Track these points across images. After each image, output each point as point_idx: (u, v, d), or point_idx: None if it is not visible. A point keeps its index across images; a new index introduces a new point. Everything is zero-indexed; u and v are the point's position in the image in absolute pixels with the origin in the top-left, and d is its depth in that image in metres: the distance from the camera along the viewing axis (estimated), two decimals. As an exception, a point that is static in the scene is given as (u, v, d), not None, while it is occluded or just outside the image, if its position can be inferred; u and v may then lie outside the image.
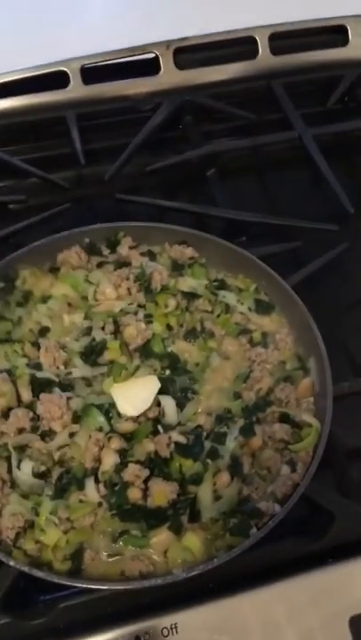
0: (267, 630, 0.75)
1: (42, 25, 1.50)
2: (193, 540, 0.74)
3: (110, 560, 0.75)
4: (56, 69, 1.36)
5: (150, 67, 1.39)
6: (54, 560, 0.73)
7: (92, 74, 1.36)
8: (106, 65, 1.38)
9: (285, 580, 0.77)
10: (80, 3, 1.60)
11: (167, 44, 1.38)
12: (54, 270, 1.01)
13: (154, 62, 1.39)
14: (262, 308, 0.96)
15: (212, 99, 1.38)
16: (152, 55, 1.39)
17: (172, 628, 0.74)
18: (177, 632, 0.74)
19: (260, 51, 1.42)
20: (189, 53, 1.41)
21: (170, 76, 1.39)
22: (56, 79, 1.35)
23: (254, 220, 1.17)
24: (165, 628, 0.74)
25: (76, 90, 1.36)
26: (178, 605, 0.75)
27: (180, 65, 1.39)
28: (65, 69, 1.35)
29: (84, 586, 0.70)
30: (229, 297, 0.96)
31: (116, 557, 0.75)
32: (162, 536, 0.75)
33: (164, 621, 0.74)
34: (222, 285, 0.98)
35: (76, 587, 0.72)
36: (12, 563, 0.70)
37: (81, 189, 1.27)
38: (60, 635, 0.74)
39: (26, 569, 0.70)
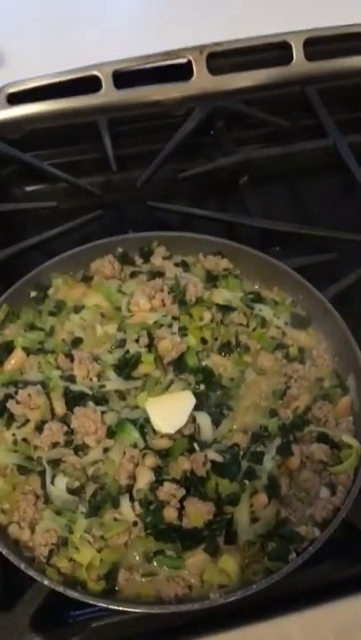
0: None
1: (74, 29, 1.50)
2: (229, 563, 0.72)
3: (145, 580, 0.73)
4: (88, 74, 1.35)
5: (183, 72, 1.37)
6: (88, 580, 0.72)
7: (125, 78, 1.35)
8: (138, 70, 1.37)
9: (324, 605, 0.75)
10: (113, 7, 1.59)
11: (200, 48, 1.36)
12: (87, 279, 1.00)
13: (187, 67, 1.37)
14: (299, 322, 0.94)
15: (244, 104, 1.36)
16: (185, 60, 1.38)
17: (206, 652, 0.72)
18: (211, 656, 0.72)
19: (294, 56, 1.40)
20: (223, 58, 1.39)
21: (203, 82, 1.38)
22: (88, 84, 1.34)
23: (288, 231, 1.15)
24: (200, 651, 0.72)
25: (107, 94, 1.35)
26: (213, 628, 0.73)
27: (213, 70, 1.38)
28: (97, 74, 1.34)
29: (120, 608, 0.69)
30: (265, 310, 0.94)
31: (151, 577, 0.73)
32: (197, 557, 0.73)
33: (197, 645, 0.72)
34: (258, 298, 0.96)
35: (109, 609, 0.71)
36: (46, 582, 0.69)
37: (112, 196, 1.26)
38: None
39: (61, 589, 0.69)
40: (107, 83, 1.35)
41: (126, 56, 1.36)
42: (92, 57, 1.35)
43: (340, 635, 0.75)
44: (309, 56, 1.39)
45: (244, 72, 1.39)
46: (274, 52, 1.40)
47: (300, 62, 1.40)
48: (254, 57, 1.41)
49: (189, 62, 1.37)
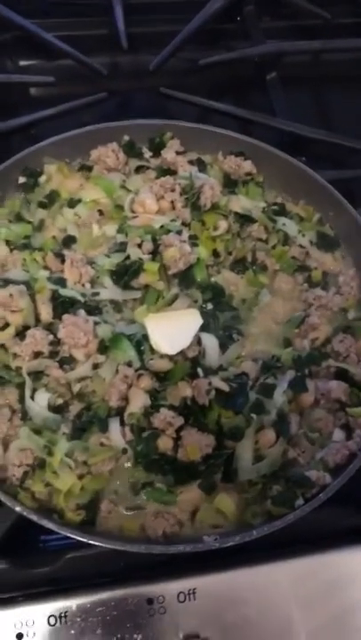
0: (297, 605, 0.67)
1: None
2: (226, 502, 0.65)
3: (130, 514, 0.66)
4: None
5: None
6: (66, 509, 0.64)
7: None
8: None
9: (325, 554, 0.68)
10: None
11: None
12: (86, 169, 0.86)
13: None
14: (326, 242, 0.83)
15: (282, -13, 1.17)
16: None
17: (189, 594, 0.66)
18: (195, 598, 0.66)
19: None
20: None
21: None
22: None
23: (319, 138, 1.00)
24: (182, 592, 0.66)
25: None
26: (199, 569, 0.67)
27: None
28: None
29: (100, 544, 0.61)
30: (289, 225, 0.82)
31: (137, 511, 0.65)
32: (191, 493, 0.65)
33: (182, 585, 0.66)
34: (281, 211, 0.85)
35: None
36: (17, 508, 0.61)
37: (120, 78, 1.10)
38: (62, 587, 0.66)
39: (34, 517, 0.60)
40: None
41: None
42: None
43: (333, 586, 0.69)
44: None
45: None
46: None
47: None
48: None
49: None
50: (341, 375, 0.73)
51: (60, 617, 0.64)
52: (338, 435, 0.69)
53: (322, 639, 0.66)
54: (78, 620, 0.64)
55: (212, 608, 0.66)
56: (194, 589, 0.66)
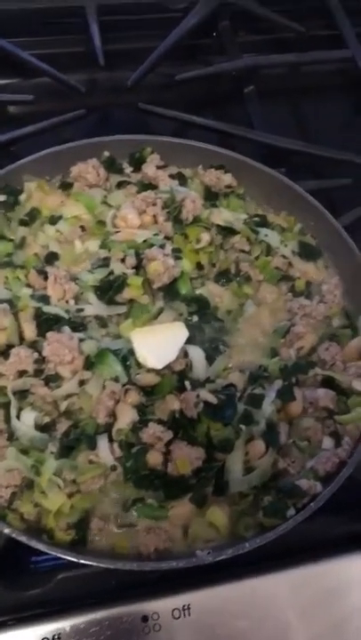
0: (293, 615, 0.66)
1: None
2: (218, 516, 0.64)
3: (121, 531, 0.65)
4: None
5: None
6: (56, 528, 0.63)
7: None
8: None
9: (320, 563, 0.68)
10: None
11: None
12: (66, 186, 0.86)
13: None
14: (308, 252, 0.84)
15: (255, 2, 1.19)
16: None
17: (184, 610, 0.65)
18: (189, 614, 0.65)
19: None
20: None
21: (210, -29, 1.19)
22: None
23: (297, 149, 1.01)
24: (177, 609, 0.65)
25: (99, -25, 1.15)
26: (193, 585, 0.66)
27: None
28: None
29: (92, 563, 0.60)
30: (271, 236, 0.83)
31: (128, 528, 0.65)
32: (182, 508, 0.65)
33: (176, 601, 0.66)
34: (263, 222, 0.85)
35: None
36: (6, 530, 0.60)
37: (98, 95, 1.11)
38: (55, 608, 0.65)
39: (23, 538, 0.59)
40: None
41: None
42: None
43: (330, 594, 0.69)
44: None
45: (259, -35, 1.21)
46: None
47: None
48: None
49: None
50: (328, 383, 0.73)
51: (54, 639, 0.63)
52: (327, 443, 0.69)
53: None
54: (72, 641, 0.63)
55: (207, 623, 0.65)
56: (188, 605, 0.66)
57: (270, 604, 0.67)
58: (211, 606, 0.66)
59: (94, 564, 0.60)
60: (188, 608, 0.66)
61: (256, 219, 0.85)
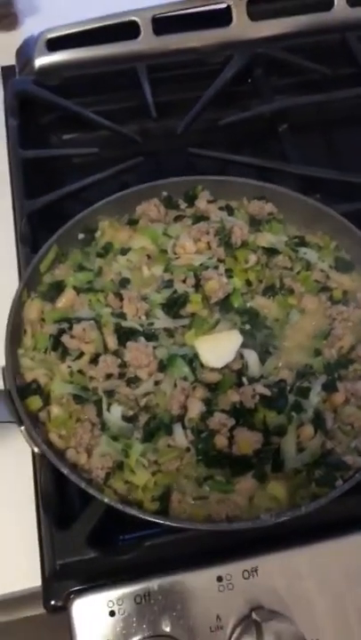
0: (346, 577, 0.77)
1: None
2: (278, 488, 0.76)
3: (196, 502, 0.77)
4: (127, 19, 1.34)
5: (222, 17, 1.36)
6: (144, 500, 0.76)
7: (164, 24, 1.34)
8: (177, 15, 1.36)
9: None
10: None
11: (240, -7, 1.35)
12: (133, 223, 1.01)
13: (226, 12, 1.36)
14: (343, 265, 0.96)
15: (284, 51, 1.34)
16: (224, 5, 1.36)
17: (252, 571, 0.76)
18: (257, 575, 0.76)
19: (335, 1, 1.37)
20: (263, 3, 1.37)
21: (242, 28, 1.36)
22: (127, 30, 1.33)
23: (328, 178, 1.15)
24: (246, 570, 0.76)
25: (146, 41, 1.34)
26: (259, 550, 0.77)
27: (252, 16, 1.36)
28: (136, 19, 1.34)
29: (174, 524, 0.73)
30: (310, 254, 0.96)
31: (202, 500, 0.77)
32: (246, 483, 0.77)
33: (246, 564, 0.77)
34: (302, 242, 0.98)
35: (162, 526, 0.75)
36: (105, 499, 0.73)
37: (152, 143, 1.26)
38: (144, 571, 0.77)
39: (119, 506, 0.73)
40: (145, 29, 1.34)
41: (165, 1, 1.35)
42: (132, 2, 1.34)
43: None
44: (351, 1, 1.37)
45: (284, 18, 1.38)
46: (315, -4, 1.38)
47: (341, 7, 1.38)
48: (294, 2, 1.39)
49: (229, 7, 1.36)
50: (367, 376, 0.85)
51: (145, 596, 0.76)
52: (368, 426, 0.81)
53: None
54: (160, 597, 0.75)
55: (272, 583, 0.76)
56: (256, 567, 0.77)
57: (328, 569, 0.77)
58: (275, 568, 0.77)
59: (176, 524, 0.72)
60: (256, 570, 0.77)
61: (295, 239, 0.98)
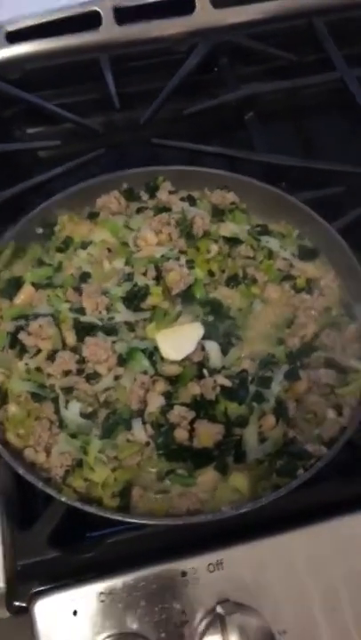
0: (310, 567, 0.76)
1: None
2: (240, 480, 0.75)
3: (158, 497, 0.76)
4: (88, 9, 1.31)
5: (186, 5, 1.33)
6: (104, 496, 0.75)
7: (126, 13, 1.32)
8: (140, 4, 1.33)
9: (330, 521, 0.78)
10: None
11: (203, -20, 1.32)
12: (93, 216, 1.00)
13: (189, 0, 1.33)
14: (306, 253, 0.95)
15: (249, 39, 1.33)
16: (187, -7, 1.34)
17: (217, 564, 0.76)
18: (222, 568, 0.76)
19: (301, -14, 1.35)
20: (226, -10, 1.35)
21: (206, 15, 1.34)
22: (88, 20, 1.31)
23: (294, 165, 1.14)
24: (211, 564, 0.76)
25: (108, 31, 1.32)
26: (223, 543, 0.77)
27: (216, 3, 1.34)
28: (97, 9, 1.31)
29: (135, 521, 0.72)
30: (272, 242, 0.94)
31: (164, 494, 0.76)
32: (208, 475, 0.76)
33: (210, 558, 0.76)
34: (264, 231, 0.97)
35: (123, 523, 0.74)
36: (63, 498, 0.72)
37: (115, 134, 1.25)
38: (107, 569, 0.76)
39: (78, 504, 0.72)
40: (107, 18, 1.32)
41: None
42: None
43: (344, 548, 0.78)
44: (317, -14, 1.35)
45: (248, 5, 1.36)
46: (279, -18, 1.36)
47: (306, -8, 1.35)
48: (259, -12, 1.37)
49: (192, -5, 1.33)
50: (329, 363, 0.84)
51: (109, 593, 0.75)
52: (330, 413, 0.80)
53: (334, 595, 0.75)
54: (124, 595, 0.74)
55: (237, 575, 0.76)
56: (221, 560, 0.76)
57: (291, 557, 0.77)
58: (239, 561, 0.76)
59: (136, 521, 0.71)
60: (221, 563, 0.76)
61: (258, 228, 0.96)
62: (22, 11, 1.31)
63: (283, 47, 1.32)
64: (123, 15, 1.32)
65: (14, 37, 1.30)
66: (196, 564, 0.76)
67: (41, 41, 1.31)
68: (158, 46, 1.33)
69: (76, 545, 0.79)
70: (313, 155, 1.23)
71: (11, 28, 1.31)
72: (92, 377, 0.81)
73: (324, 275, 0.93)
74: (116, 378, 0.81)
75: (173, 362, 0.81)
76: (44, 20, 1.31)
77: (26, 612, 0.75)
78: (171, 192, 1.00)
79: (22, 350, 0.84)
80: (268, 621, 0.73)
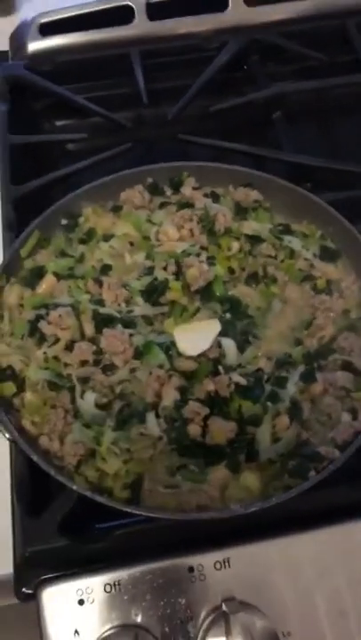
0: (318, 570, 0.76)
1: None
2: (251, 479, 0.75)
3: (168, 491, 0.76)
4: (121, 4, 1.32)
5: (218, 2, 1.33)
6: (114, 488, 0.75)
7: (158, 9, 1.32)
8: (172, 0, 1.33)
9: (339, 525, 0.77)
10: None
11: (237, -22, 1.32)
12: (117, 209, 1.00)
13: (222, -2, 1.33)
14: (328, 254, 0.94)
15: (281, 37, 1.32)
16: (221, -10, 1.33)
17: (224, 562, 0.75)
18: (229, 566, 0.75)
19: (334, -14, 1.34)
20: (260, -11, 1.34)
21: (238, 13, 1.34)
22: (121, 14, 1.32)
23: (320, 166, 1.13)
24: (218, 561, 0.75)
25: (140, 26, 1.32)
26: (232, 541, 0.76)
27: (249, 1, 1.33)
28: (130, 4, 1.32)
29: (143, 513, 0.72)
30: (295, 242, 0.94)
31: (174, 489, 0.76)
32: (219, 473, 0.75)
33: (217, 555, 0.76)
34: (287, 230, 0.96)
35: (133, 515, 0.74)
36: (74, 487, 0.72)
37: (143, 129, 1.25)
38: (115, 560, 0.76)
39: (88, 493, 0.72)
40: (140, 13, 1.32)
41: (161, -14, 1.33)
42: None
43: (352, 552, 0.77)
44: (351, -14, 1.34)
45: (281, 3, 1.35)
46: (313, -18, 1.35)
47: (340, -7, 1.34)
48: (293, -13, 1.36)
49: (225, -8, 1.33)
50: (346, 366, 0.83)
51: (115, 585, 0.75)
52: (345, 417, 0.79)
53: (339, 599, 0.75)
54: (130, 587, 0.75)
55: (244, 574, 0.75)
56: (228, 558, 0.76)
57: (299, 560, 0.76)
58: (247, 560, 0.76)
59: (145, 513, 0.72)
60: (228, 561, 0.76)
61: (280, 227, 0.96)
62: (60, 3, 1.33)
63: (314, 47, 1.31)
64: (155, 11, 1.32)
65: (47, 30, 1.31)
66: (203, 561, 0.75)
67: (73, 34, 1.32)
68: (189, 42, 1.33)
69: (86, 535, 0.79)
70: (339, 156, 1.21)
71: (44, 20, 1.32)
72: (109, 368, 0.82)
73: (344, 277, 0.92)
74: (132, 370, 0.81)
75: (189, 357, 0.81)
76: (77, 12, 1.32)
77: (33, 600, 0.76)
78: (195, 188, 1.00)
79: (41, 339, 0.84)
80: (273, 622, 0.72)
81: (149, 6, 1.32)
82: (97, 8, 1.32)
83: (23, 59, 1.31)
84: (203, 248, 0.93)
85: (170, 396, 0.78)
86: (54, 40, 1.31)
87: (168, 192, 1.02)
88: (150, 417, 0.78)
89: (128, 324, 0.85)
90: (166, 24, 1.33)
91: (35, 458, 0.74)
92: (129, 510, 0.72)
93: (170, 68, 1.34)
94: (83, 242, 0.97)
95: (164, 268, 0.90)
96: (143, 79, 1.26)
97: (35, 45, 1.31)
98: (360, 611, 0.74)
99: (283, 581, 0.75)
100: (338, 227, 0.94)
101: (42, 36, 1.32)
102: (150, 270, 0.91)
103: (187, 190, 1.00)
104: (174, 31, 1.34)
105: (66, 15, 1.32)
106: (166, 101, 1.25)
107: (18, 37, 1.34)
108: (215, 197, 0.99)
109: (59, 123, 1.33)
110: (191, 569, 0.75)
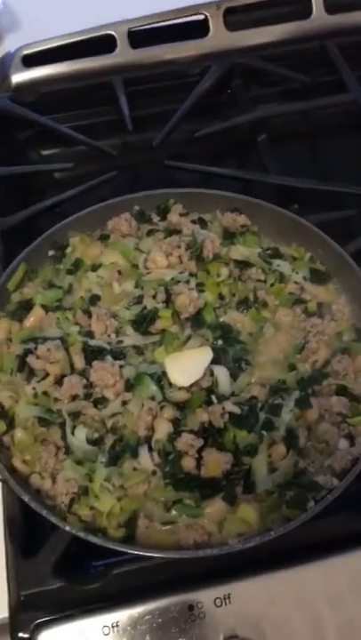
0: (321, 602, 0.74)
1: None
2: (248, 512, 0.73)
3: (164, 528, 0.74)
4: (103, 33, 1.33)
5: (200, 28, 1.34)
6: (109, 527, 0.73)
7: (140, 37, 1.33)
8: (154, 28, 1.34)
9: (342, 555, 0.75)
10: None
11: (217, 4, 1.34)
12: (104, 238, 0.99)
13: (203, 24, 1.34)
14: (318, 277, 0.93)
15: (263, 61, 1.33)
16: (201, 17, 1.35)
17: (225, 599, 0.74)
18: (230, 602, 0.73)
19: (313, 9, 1.36)
20: (240, 14, 1.36)
21: (219, 38, 1.35)
22: (103, 44, 1.32)
23: (306, 187, 1.12)
24: (218, 598, 0.73)
25: (123, 54, 1.33)
26: (231, 576, 0.74)
27: (230, 26, 1.35)
28: (112, 33, 1.33)
29: (140, 553, 0.70)
30: (284, 265, 0.93)
31: (171, 526, 0.74)
32: (216, 506, 0.74)
33: (218, 591, 0.74)
34: (276, 254, 0.95)
35: (129, 554, 0.72)
36: (67, 528, 0.71)
37: (128, 156, 1.25)
38: (112, 600, 0.74)
39: (81, 534, 0.70)
40: (122, 42, 1.33)
41: (141, 14, 1.34)
42: (107, 16, 1.33)
43: (355, 582, 0.75)
44: (330, 9, 1.35)
45: (262, 27, 1.36)
46: (293, 5, 1.37)
47: (319, 16, 1.36)
48: (272, 11, 1.38)
49: (206, 19, 1.35)
50: (341, 391, 0.82)
51: (113, 627, 0.73)
52: (342, 444, 0.77)
53: (350, 632, 0.73)
54: (129, 628, 0.73)
55: (246, 610, 0.73)
56: (229, 594, 0.74)
57: (303, 593, 0.74)
58: (248, 595, 0.74)
59: (142, 553, 0.70)
60: (229, 597, 0.74)
61: (269, 251, 0.95)
62: (45, 34, 1.33)
63: (296, 69, 1.32)
64: (137, 39, 1.33)
65: (30, 61, 1.32)
66: (202, 598, 0.74)
67: (57, 64, 1.32)
68: (172, 69, 1.34)
69: (82, 575, 0.77)
70: (325, 177, 1.22)
71: (27, 52, 1.33)
72: (100, 402, 0.80)
73: (335, 299, 0.91)
74: (124, 403, 0.80)
75: (181, 388, 0.80)
76: (59, 43, 1.33)
77: (30, 644, 0.73)
78: (182, 214, 1.00)
79: (30, 374, 0.83)
80: (279, 659, 0.70)
81: (131, 34, 1.33)
82: (80, 38, 1.33)
83: (7, 91, 1.31)
84: (192, 275, 0.92)
85: (163, 429, 0.77)
86: (38, 71, 1.32)
87: (155, 219, 1.01)
88: (143, 451, 0.76)
89: (118, 355, 0.84)
90: (149, 51, 1.34)
91: (26, 498, 0.72)
92: (124, 550, 0.70)
93: (154, 94, 1.34)
94: (70, 272, 0.96)
95: (154, 297, 0.89)
96: (128, 106, 1.26)
97: (18, 77, 1.31)
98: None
99: (286, 616, 0.74)
100: (327, 249, 0.93)
101: (25, 67, 1.32)
102: (139, 299, 0.90)
103: (174, 217, 0.99)
104: (157, 58, 1.34)
105: (49, 46, 1.33)
106: (151, 128, 1.25)
107: (1, 70, 1.35)
108: (203, 223, 0.99)
109: (45, 152, 1.32)
110: (191, 607, 0.73)
